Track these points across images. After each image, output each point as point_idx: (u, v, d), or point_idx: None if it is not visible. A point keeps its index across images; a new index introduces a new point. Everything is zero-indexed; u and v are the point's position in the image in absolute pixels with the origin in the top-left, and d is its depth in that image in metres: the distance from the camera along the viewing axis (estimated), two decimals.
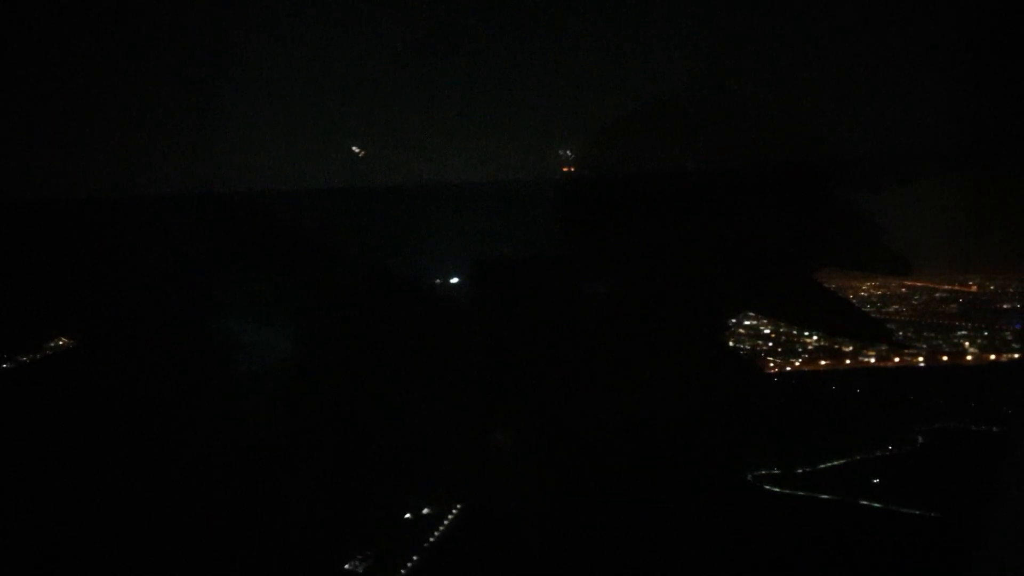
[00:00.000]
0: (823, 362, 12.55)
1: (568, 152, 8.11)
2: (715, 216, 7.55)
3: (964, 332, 13.24)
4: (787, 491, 10.78)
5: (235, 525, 7.20)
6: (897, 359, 12.70)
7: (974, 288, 15.92)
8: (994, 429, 11.59)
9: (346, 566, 8.12)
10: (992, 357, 12.70)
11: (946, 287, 15.86)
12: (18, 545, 6.18)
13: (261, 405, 7.31)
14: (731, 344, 10.62)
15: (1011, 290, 14.34)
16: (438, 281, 8.21)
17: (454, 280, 8.20)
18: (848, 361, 12.64)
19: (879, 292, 16.82)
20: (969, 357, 12.88)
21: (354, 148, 8.15)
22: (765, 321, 12.17)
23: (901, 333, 13.88)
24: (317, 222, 7.73)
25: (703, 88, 7.27)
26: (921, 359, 12.76)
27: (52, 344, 7.47)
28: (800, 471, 11.01)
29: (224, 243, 7.32)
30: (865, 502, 10.52)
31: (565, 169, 8.14)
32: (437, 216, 8.10)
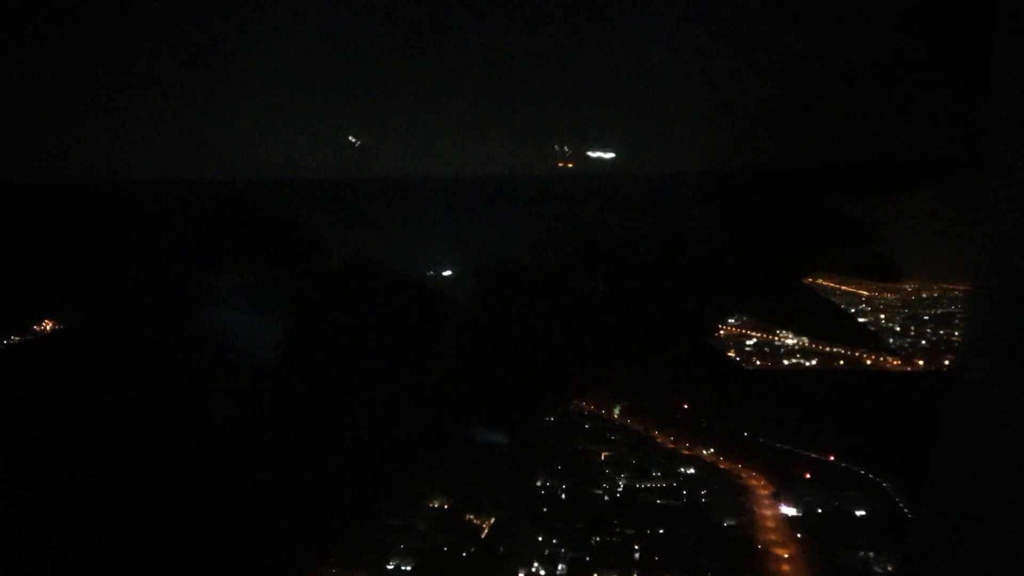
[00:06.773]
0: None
1: (565, 148, 7.96)
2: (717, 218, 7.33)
3: None
4: None
5: (218, 512, 7.27)
6: None
7: None
8: None
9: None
10: None
11: None
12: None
13: (249, 395, 7.33)
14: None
15: None
16: (431, 273, 8.15)
17: (446, 273, 8.13)
18: None
19: (924, 296, 16.15)
20: None
21: (351, 138, 8.15)
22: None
23: None
24: (310, 212, 7.73)
25: (698, 89, 7.05)
26: None
27: (41, 327, 7.65)
28: None
29: (214, 231, 7.36)
30: None
31: (561, 165, 7.99)
32: (431, 209, 8.03)
